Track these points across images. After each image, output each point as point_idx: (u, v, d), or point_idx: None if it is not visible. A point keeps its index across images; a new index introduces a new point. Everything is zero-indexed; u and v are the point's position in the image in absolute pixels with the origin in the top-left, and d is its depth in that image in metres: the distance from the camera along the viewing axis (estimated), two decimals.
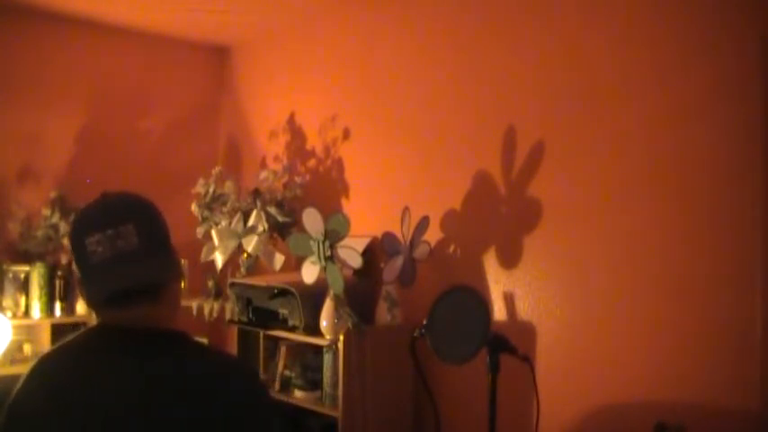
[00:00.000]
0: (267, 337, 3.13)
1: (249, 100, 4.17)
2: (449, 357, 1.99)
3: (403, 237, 2.79)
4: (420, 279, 2.79)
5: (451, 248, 2.88)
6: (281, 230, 3.30)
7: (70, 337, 1.26)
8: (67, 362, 1.20)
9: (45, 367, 1.21)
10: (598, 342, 2.37)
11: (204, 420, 1.11)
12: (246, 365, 1.33)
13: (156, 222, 1.24)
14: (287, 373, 3.06)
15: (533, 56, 2.62)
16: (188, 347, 1.24)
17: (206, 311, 3.46)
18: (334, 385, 2.74)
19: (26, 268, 3.38)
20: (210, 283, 3.53)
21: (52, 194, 3.46)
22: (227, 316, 3.33)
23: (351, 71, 3.44)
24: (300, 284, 2.73)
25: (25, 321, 3.34)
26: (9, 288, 3.33)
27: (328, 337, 2.70)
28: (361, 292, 2.92)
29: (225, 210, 3.35)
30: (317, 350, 2.89)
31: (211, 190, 3.42)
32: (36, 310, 3.35)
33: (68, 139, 3.79)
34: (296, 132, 3.74)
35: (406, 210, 2.81)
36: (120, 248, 1.15)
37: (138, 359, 1.15)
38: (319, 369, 2.87)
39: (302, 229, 2.68)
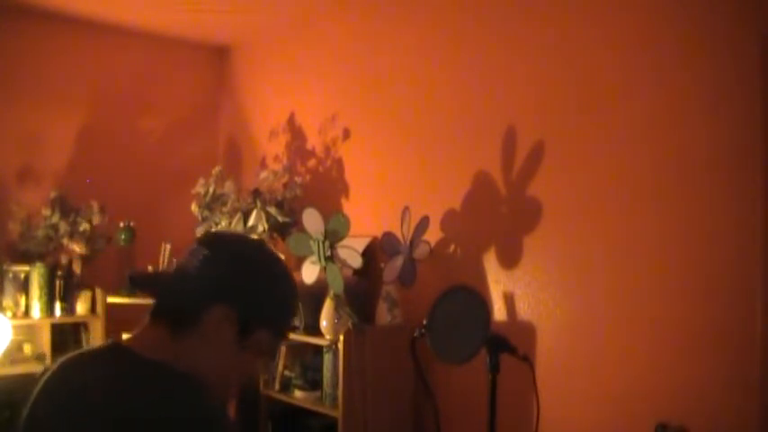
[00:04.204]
0: None
1: (249, 100, 4.17)
2: (449, 357, 1.99)
3: (403, 237, 2.79)
4: (420, 279, 2.79)
5: (451, 248, 2.88)
6: (281, 230, 3.30)
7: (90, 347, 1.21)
8: (62, 371, 1.14)
9: (51, 372, 1.16)
10: (598, 342, 2.37)
11: None
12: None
13: (240, 270, 1.12)
14: (287, 373, 3.06)
15: (533, 56, 2.62)
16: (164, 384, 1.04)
17: None
18: (335, 385, 2.74)
19: (26, 268, 3.37)
20: None
21: (52, 194, 3.45)
22: None
23: (351, 71, 3.44)
24: (300, 284, 2.73)
25: (25, 321, 3.33)
26: (9, 288, 3.32)
27: (328, 337, 2.70)
28: (361, 292, 2.92)
29: (225, 210, 3.35)
30: (317, 350, 2.89)
31: (211, 190, 3.42)
32: (36, 310, 3.35)
33: (68, 139, 3.79)
34: (296, 132, 3.74)
35: (406, 210, 2.81)
36: (181, 263, 1.13)
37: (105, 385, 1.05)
38: (319, 369, 2.87)
39: (302, 229, 2.68)
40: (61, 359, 1.16)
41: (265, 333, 1.13)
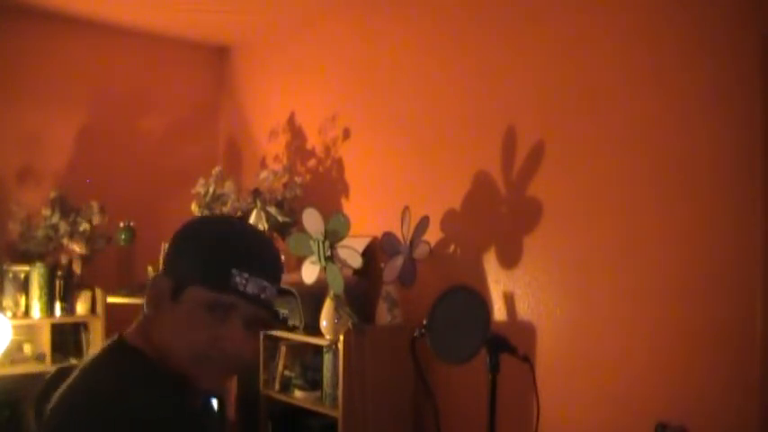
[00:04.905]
0: (267, 337, 3.13)
1: (249, 100, 4.17)
2: (449, 357, 1.99)
3: (403, 237, 2.79)
4: (420, 279, 2.79)
5: (451, 248, 2.88)
6: (281, 230, 3.30)
7: None
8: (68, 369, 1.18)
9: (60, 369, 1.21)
10: (598, 342, 2.37)
11: None
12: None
13: (172, 240, 1.19)
14: (287, 373, 3.06)
15: (533, 56, 2.62)
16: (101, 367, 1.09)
17: None
18: (335, 385, 2.74)
19: (26, 268, 3.37)
20: None
21: (52, 194, 3.45)
22: None
23: (351, 71, 3.44)
24: (300, 284, 2.73)
25: (25, 321, 3.33)
26: (9, 288, 3.32)
27: (328, 337, 2.70)
28: (361, 292, 2.92)
29: (225, 210, 3.35)
30: (317, 350, 2.89)
31: (211, 190, 3.42)
32: (36, 310, 3.35)
33: (68, 139, 3.79)
34: (296, 132, 3.74)
35: (406, 210, 2.81)
36: None
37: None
38: (319, 369, 2.87)
39: (302, 229, 2.68)
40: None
41: (197, 289, 1.08)
